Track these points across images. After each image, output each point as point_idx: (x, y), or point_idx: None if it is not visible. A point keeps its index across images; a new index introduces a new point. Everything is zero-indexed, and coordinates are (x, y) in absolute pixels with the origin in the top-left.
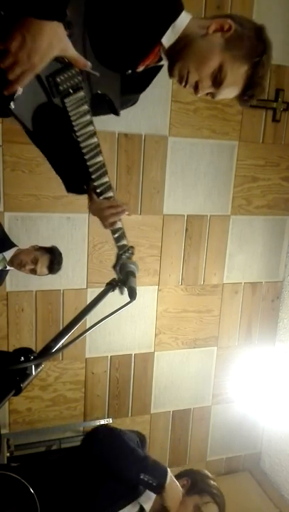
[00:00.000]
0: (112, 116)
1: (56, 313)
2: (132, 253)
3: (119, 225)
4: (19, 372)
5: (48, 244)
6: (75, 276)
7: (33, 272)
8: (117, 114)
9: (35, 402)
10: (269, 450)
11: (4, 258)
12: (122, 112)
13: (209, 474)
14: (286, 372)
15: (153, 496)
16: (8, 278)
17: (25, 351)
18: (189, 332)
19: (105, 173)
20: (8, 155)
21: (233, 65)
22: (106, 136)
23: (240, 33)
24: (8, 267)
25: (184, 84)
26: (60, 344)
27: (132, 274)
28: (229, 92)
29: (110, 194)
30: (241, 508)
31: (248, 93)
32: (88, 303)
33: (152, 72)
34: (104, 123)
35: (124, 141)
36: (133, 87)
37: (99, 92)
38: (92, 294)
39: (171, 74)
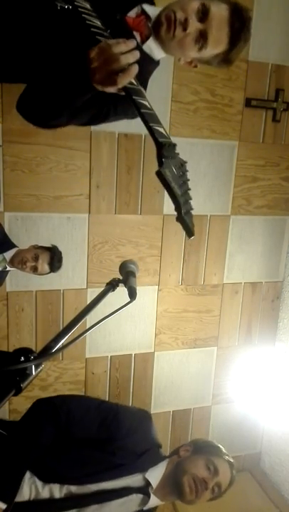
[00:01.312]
0: None
1: (56, 313)
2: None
3: (138, 86)
4: (19, 372)
5: (48, 245)
6: (75, 276)
7: (35, 269)
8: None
9: None
10: (269, 450)
11: (4, 259)
12: None
13: (209, 440)
14: (286, 372)
15: (162, 470)
16: (8, 278)
17: (25, 351)
18: (189, 332)
19: (97, 17)
20: (8, 155)
21: (214, 2)
22: (106, 136)
23: None
24: (8, 268)
25: (173, 27)
26: (60, 344)
27: (132, 274)
28: (219, 23)
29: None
30: (241, 508)
31: (238, 19)
32: (88, 303)
33: (148, 67)
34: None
35: (124, 141)
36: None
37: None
38: (92, 294)
39: (160, 24)
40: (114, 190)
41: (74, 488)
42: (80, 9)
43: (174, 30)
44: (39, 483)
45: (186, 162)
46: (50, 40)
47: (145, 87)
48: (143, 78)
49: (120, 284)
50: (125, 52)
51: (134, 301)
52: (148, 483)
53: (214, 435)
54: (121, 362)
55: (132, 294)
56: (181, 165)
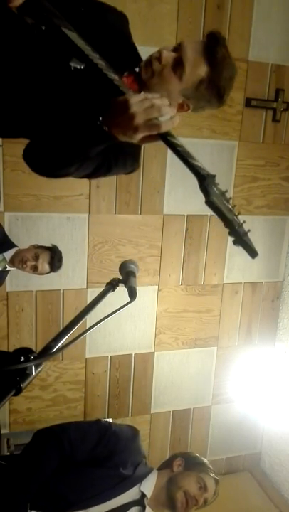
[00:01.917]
0: None
1: (56, 313)
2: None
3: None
4: (19, 372)
5: (48, 245)
6: (75, 276)
7: (35, 269)
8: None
9: (36, 402)
10: (269, 450)
11: (4, 259)
12: None
13: (197, 455)
14: (286, 372)
15: (154, 482)
16: (8, 278)
17: (25, 351)
18: (189, 332)
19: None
20: (8, 155)
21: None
22: None
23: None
24: (8, 268)
25: (149, 64)
26: (60, 344)
27: (132, 274)
28: (193, 47)
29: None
30: (241, 508)
31: (211, 39)
32: (88, 303)
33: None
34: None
35: None
36: None
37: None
38: (92, 294)
39: (140, 69)
40: (114, 190)
41: None
42: (98, 66)
43: (150, 66)
44: None
45: (226, 191)
46: (63, 97)
47: (130, 39)
48: (122, 33)
49: (120, 284)
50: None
51: (134, 301)
52: (143, 495)
53: (214, 435)
54: (121, 362)
55: (132, 294)
56: (223, 193)
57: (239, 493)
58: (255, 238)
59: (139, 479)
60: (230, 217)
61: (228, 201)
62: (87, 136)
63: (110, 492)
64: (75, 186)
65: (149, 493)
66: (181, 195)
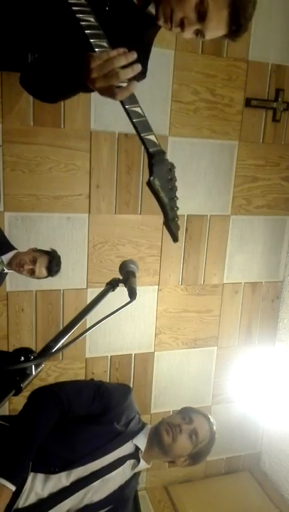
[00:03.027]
0: (111, 116)
1: (56, 313)
2: (172, 165)
3: (138, 108)
4: (19, 372)
5: (47, 246)
6: (75, 276)
7: (32, 272)
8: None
9: None
10: (269, 450)
11: (2, 261)
12: (122, 112)
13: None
14: (286, 372)
15: (147, 435)
16: (8, 278)
17: (25, 351)
18: (189, 332)
19: (103, 36)
20: (8, 155)
21: None
22: (106, 136)
23: None
24: (6, 270)
25: (170, 25)
26: (60, 344)
27: (132, 274)
28: (216, 24)
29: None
30: (241, 508)
31: (236, 21)
32: (88, 303)
33: (151, 30)
34: (104, 123)
35: (124, 141)
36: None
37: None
38: (92, 294)
39: (157, 17)
40: (114, 190)
41: (80, 471)
42: (74, 7)
43: (171, 26)
44: (46, 477)
45: (174, 167)
46: (53, 23)
47: (149, 52)
48: (147, 44)
49: (120, 284)
50: (126, 65)
51: (134, 301)
52: (137, 449)
53: None
54: (121, 362)
55: (132, 294)
56: (170, 170)
57: (239, 493)
58: (255, 238)
59: (133, 434)
60: (165, 201)
61: (172, 179)
62: (67, 81)
63: (105, 448)
64: (75, 186)
65: (142, 446)
66: (181, 195)
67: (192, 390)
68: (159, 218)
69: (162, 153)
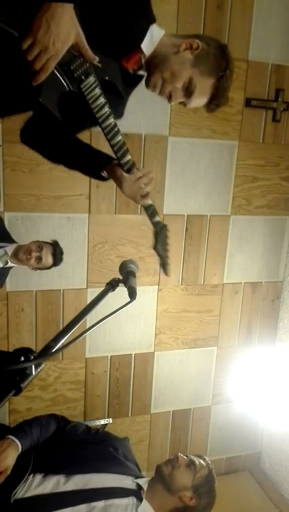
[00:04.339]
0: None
1: (56, 313)
2: (168, 230)
3: (150, 201)
4: (19, 372)
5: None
6: (75, 276)
7: (39, 260)
8: (122, 97)
9: (35, 402)
10: (269, 450)
11: (6, 253)
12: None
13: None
14: (286, 372)
15: (147, 481)
16: (8, 278)
17: (25, 351)
18: (189, 332)
19: (128, 151)
20: (8, 155)
21: (202, 79)
22: None
23: (206, 51)
24: (9, 263)
25: (158, 93)
26: (60, 344)
27: (132, 274)
28: (198, 101)
29: (135, 171)
30: (241, 508)
31: (215, 102)
32: (88, 303)
33: (135, 80)
34: None
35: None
36: (125, 80)
37: (106, 78)
38: (92, 294)
39: (147, 84)
40: (114, 190)
41: (79, 480)
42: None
43: (158, 94)
44: (44, 477)
45: (168, 231)
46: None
47: (128, 97)
48: (129, 92)
49: (120, 284)
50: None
51: (134, 301)
52: (140, 487)
53: (214, 435)
54: (121, 362)
55: (132, 294)
56: (166, 236)
57: (239, 493)
58: (255, 238)
59: (132, 472)
60: (164, 255)
61: (166, 243)
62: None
63: (103, 466)
64: (75, 186)
65: (144, 485)
66: (181, 195)
67: (192, 390)
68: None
69: (164, 227)
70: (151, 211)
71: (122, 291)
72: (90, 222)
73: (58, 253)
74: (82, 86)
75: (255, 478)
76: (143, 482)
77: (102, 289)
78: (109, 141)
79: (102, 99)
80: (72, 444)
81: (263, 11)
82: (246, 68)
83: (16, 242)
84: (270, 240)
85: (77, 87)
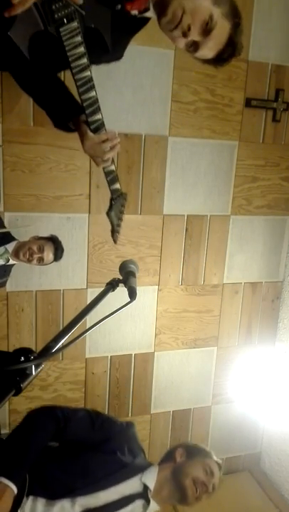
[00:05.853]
0: (111, 116)
1: (56, 313)
2: (125, 199)
3: (112, 166)
4: (19, 372)
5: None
6: (75, 276)
7: (41, 260)
8: (108, 50)
9: (35, 402)
10: (269, 450)
11: (7, 251)
12: (122, 112)
13: (195, 443)
14: (286, 372)
15: (155, 474)
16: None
17: (25, 351)
18: (189, 332)
19: (98, 110)
20: (8, 155)
21: (221, 19)
22: None
23: None
24: (11, 261)
25: (175, 25)
26: (60, 344)
27: (132, 274)
28: (212, 45)
29: (104, 132)
30: (241, 508)
31: (228, 50)
32: (88, 303)
33: (140, 22)
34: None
35: (124, 141)
36: (122, 28)
37: (92, 26)
38: (92, 294)
39: (164, 14)
40: None
41: (85, 501)
42: (70, 59)
43: (174, 28)
44: (47, 503)
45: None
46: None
47: (127, 43)
48: (128, 38)
49: (120, 284)
50: (110, 146)
51: (134, 301)
52: (146, 488)
53: (214, 435)
54: (121, 362)
55: (132, 294)
56: (122, 205)
57: (239, 493)
58: (255, 238)
59: (140, 469)
60: (115, 223)
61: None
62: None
63: (110, 479)
64: (75, 186)
65: (151, 485)
66: (181, 195)
67: (192, 390)
68: (159, 218)
69: (122, 195)
70: (111, 177)
71: (122, 291)
72: (90, 222)
73: (58, 250)
74: (61, 30)
75: (255, 478)
76: (150, 481)
77: (102, 289)
78: (80, 94)
79: (81, 49)
80: (75, 458)
81: (262, 11)
82: (246, 68)
83: (16, 239)
84: (270, 240)
85: (55, 29)
